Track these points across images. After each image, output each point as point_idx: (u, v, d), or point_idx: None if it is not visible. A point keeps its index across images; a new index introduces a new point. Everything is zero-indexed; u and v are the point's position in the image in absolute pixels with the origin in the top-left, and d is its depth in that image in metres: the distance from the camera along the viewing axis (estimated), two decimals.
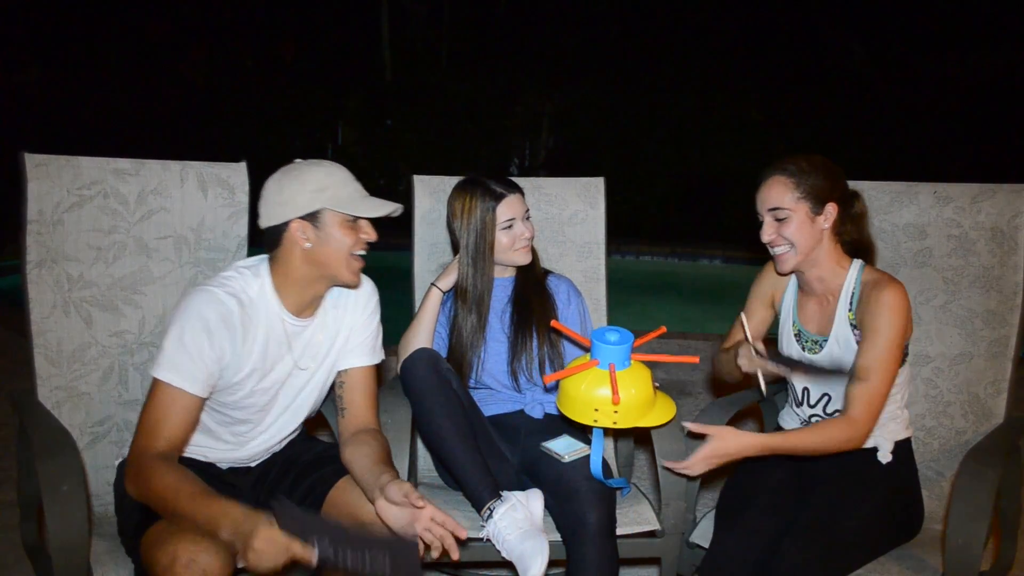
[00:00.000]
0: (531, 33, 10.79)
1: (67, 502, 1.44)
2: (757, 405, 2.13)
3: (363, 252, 1.63)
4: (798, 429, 1.77)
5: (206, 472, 1.64)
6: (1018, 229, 1.96)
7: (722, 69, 10.02)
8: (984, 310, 1.98)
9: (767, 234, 1.74)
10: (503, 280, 2.09)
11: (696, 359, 1.64)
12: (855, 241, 1.81)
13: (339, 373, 1.75)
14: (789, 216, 1.71)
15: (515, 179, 2.06)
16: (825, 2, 10.08)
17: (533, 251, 2.07)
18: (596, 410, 1.54)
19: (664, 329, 1.65)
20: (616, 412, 1.53)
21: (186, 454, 1.67)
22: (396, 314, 1.96)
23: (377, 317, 1.79)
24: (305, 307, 1.67)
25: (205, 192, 1.96)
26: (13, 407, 1.81)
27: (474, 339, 2.01)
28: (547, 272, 2.13)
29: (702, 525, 1.84)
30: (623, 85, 10.17)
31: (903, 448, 1.80)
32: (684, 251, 8.68)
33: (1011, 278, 1.97)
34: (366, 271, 1.70)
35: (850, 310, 1.74)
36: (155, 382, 1.52)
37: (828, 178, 1.73)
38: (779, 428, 1.95)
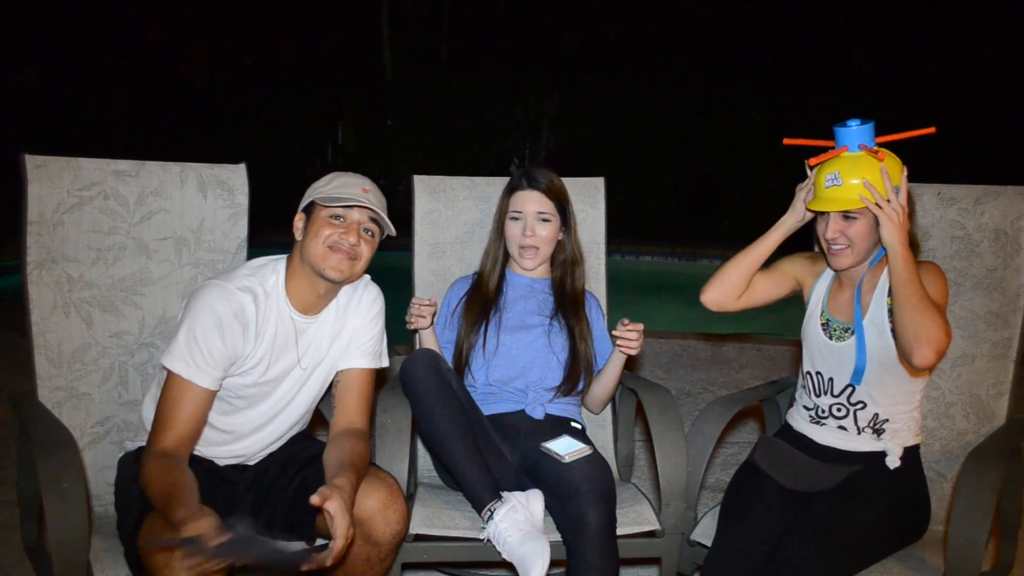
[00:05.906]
0: (531, 33, 10.78)
1: (67, 499, 1.43)
2: (758, 405, 2.14)
3: (342, 245, 1.62)
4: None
5: (204, 469, 1.64)
6: (1021, 231, 1.96)
7: (722, 69, 10.01)
8: (987, 312, 1.98)
9: (832, 231, 1.73)
10: (533, 280, 2.14)
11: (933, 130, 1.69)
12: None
13: (338, 372, 1.77)
14: (859, 218, 1.72)
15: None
16: (825, 2, 10.08)
17: (575, 263, 2.12)
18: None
19: (934, 129, 1.71)
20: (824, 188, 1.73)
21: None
22: (396, 314, 1.96)
23: (380, 323, 1.80)
24: (310, 305, 1.69)
25: (205, 193, 1.96)
26: (14, 407, 1.80)
27: (479, 325, 2.04)
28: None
29: (704, 523, 1.83)
30: (623, 85, 10.17)
31: (911, 454, 1.80)
32: (684, 251, 8.69)
33: (1014, 280, 1.96)
34: (368, 271, 1.73)
35: (889, 296, 1.73)
36: (168, 373, 1.55)
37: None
38: (787, 426, 1.95)
